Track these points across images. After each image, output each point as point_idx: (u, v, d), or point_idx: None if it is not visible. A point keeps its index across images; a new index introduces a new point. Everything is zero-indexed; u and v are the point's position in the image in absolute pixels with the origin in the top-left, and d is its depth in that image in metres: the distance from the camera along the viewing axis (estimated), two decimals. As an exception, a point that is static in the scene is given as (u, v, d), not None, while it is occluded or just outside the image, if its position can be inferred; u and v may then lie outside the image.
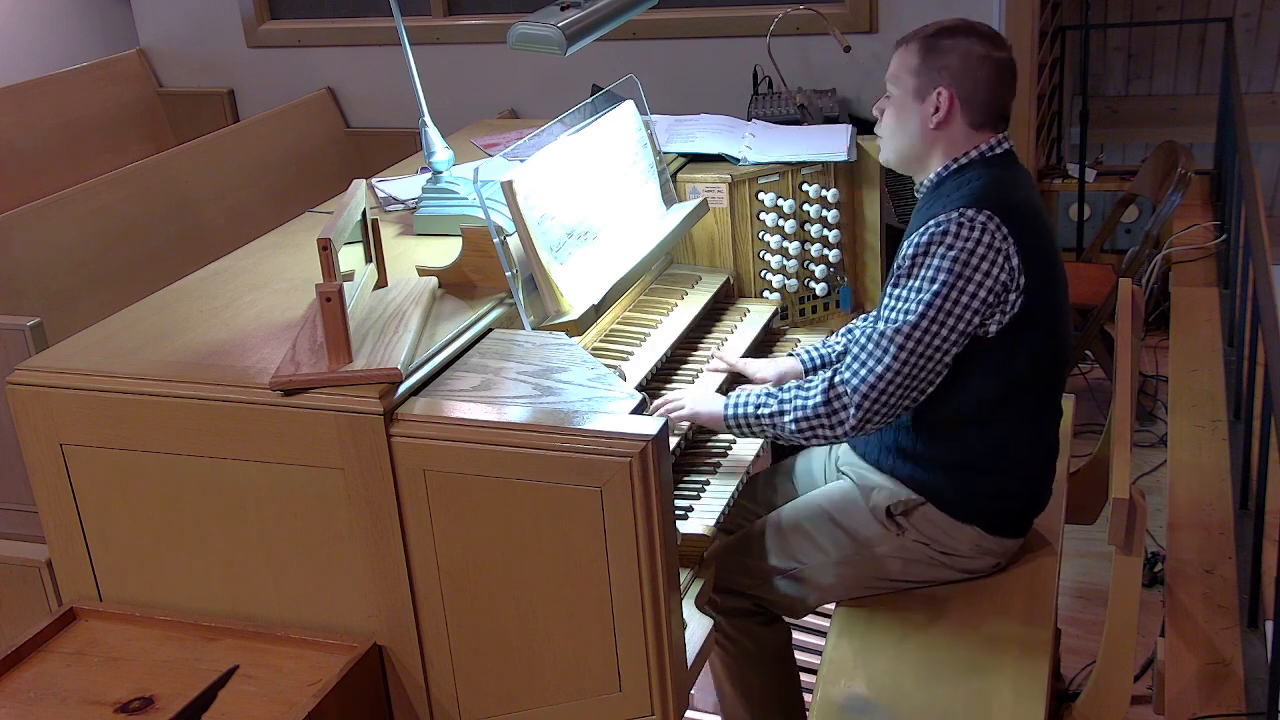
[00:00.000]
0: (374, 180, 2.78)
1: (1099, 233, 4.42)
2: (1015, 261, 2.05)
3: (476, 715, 1.93)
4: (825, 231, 2.84)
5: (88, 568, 2.04)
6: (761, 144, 2.88)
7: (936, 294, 2.04)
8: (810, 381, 2.15)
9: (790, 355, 2.52)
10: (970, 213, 2.05)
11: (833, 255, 2.84)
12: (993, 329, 2.09)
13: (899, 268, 2.10)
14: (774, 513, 2.36)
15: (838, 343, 2.50)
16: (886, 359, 2.06)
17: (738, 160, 2.80)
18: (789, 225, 2.80)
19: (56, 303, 3.55)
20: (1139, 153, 5.23)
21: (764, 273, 2.82)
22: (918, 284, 2.06)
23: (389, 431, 1.79)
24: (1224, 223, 3.97)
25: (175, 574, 1.99)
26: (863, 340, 2.10)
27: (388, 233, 2.45)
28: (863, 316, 2.55)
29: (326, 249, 1.80)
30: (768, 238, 2.79)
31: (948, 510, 2.21)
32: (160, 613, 2.00)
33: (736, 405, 2.19)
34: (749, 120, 3.14)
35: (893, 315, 2.07)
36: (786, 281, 2.82)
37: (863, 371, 2.08)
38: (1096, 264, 4.27)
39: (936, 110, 2.13)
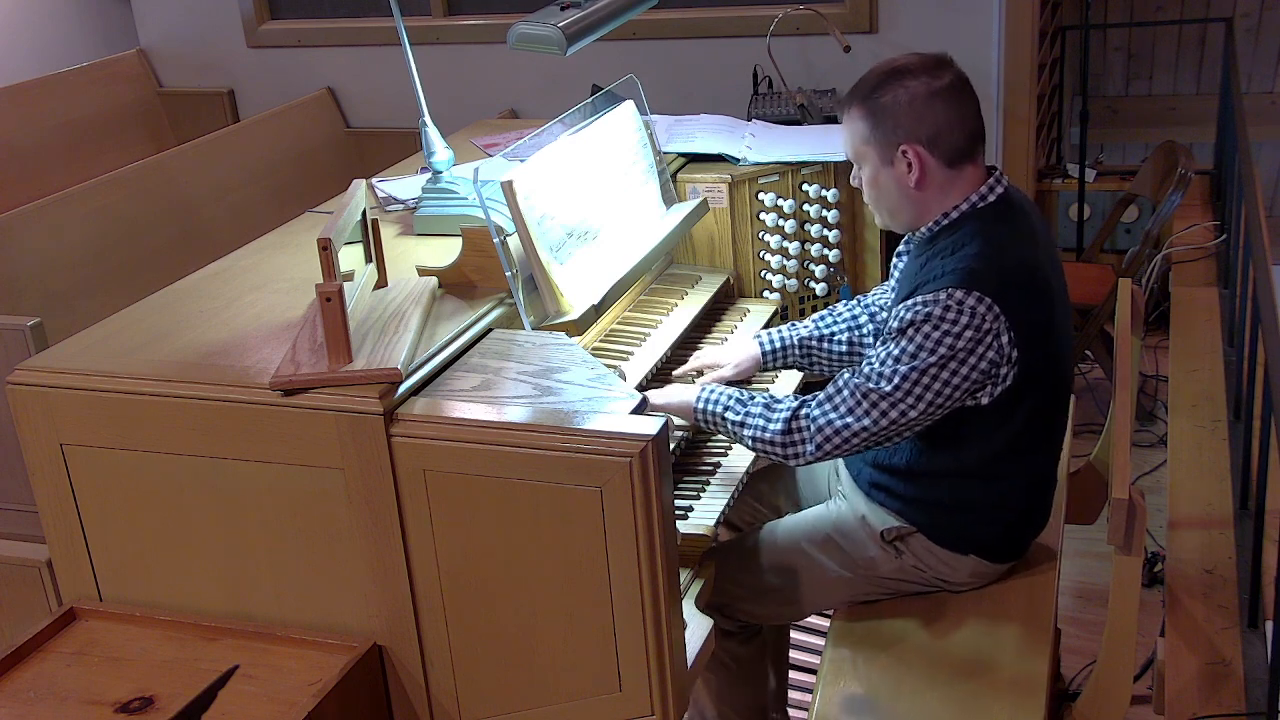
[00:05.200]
0: (374, 180, 2.78)
1: (1099, 233, 4.41)
2: (1006, 339, 2.01)
3: (476, 715, 1.93)
4: (825, 231, 2.84)
5: (88, 568, 2.04)
6: (761, 144, 2.88)
7: (915, 369, 2.01)
8: (779, 401, 2.13)
9: (755, 338, 2.47)
10: (959, 295, 1.99)
11: (833, 255, 2.84)
12: (984, 400, 2.07)
13: (889, 330, 2.06)
14: (770, 527, 2.35)
15: (805, 327, 2.46)
16: (858, 412, 2.04)
17: (738, 160, 2.80)
18: (789, 225, 2.80)
19: (56, 303, 3.55)
20: (1139, 153, 5.23)
21: (764, 273, 2.82)
22: (899, 353, 2.02)
23: (389, 431, 1.79)
24: (1224, 223, 3.97)
25: (175, 574, 1.99)
26: (842, 385, 2.07)
27: (388, 233, 2.45)
28: (845, 304, 2.50)
29: (326, 249, 1.80)
30: (768, 238, 2.79)
31: (943, 544, 2.21)
32: (160, 613, 2.00)
33: (706, 402, 2.18)
34: (749, 120, 3.15)
35: (873, 374, 2.04)
36: (786, 281, 2.82)
37: (832, 414, 2.06)
38: (1096, 264, 4.27)
39: (910, 169, 2.07)
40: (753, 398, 2.16)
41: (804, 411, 2.09)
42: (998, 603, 2.22)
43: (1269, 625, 2.19)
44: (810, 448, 2.08)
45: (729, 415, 2.15)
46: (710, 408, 2.17)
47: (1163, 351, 4.04)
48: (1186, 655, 2.19)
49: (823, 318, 2.49)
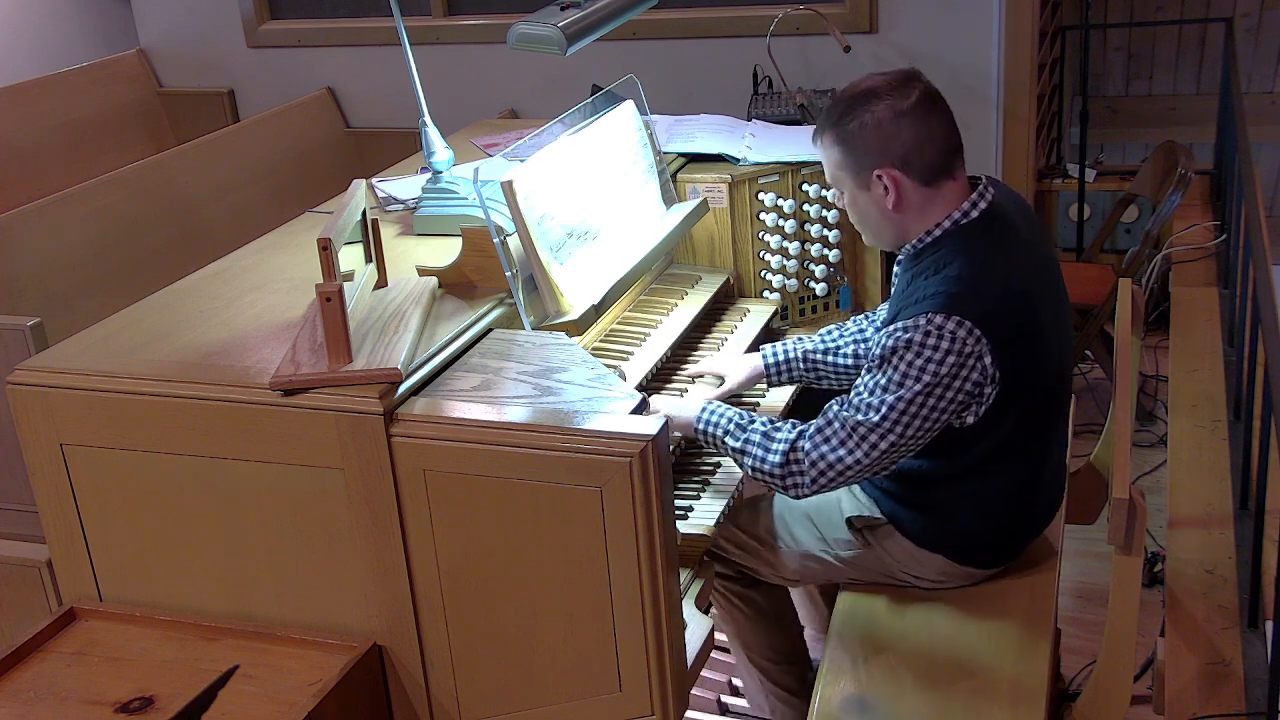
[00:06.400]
0: (374, 180, 2.78)
1: (1099, 233, 4.41)
2: (989, 360, 1.99)
3: (476, 715, 1.93)
4: (825, 231, 2.84)
5: (88, 568, 2.04)
6: (761, 144, 2.88)
7: (901, 398, 2.00)
8: (778, 429, 2.11)
9: (759, 352, 2.47)
10: (939, 320, 1.98)
11: (833, 255, 2.84)
12: (970, 419, 2.06)
13: (873, 357, 2.06)
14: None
15: (810, 341, 2.46)
16: (849, 445, 2.04)
17: (738, 160, 2.80)
18: (789, 225, 2.80)
19: (56, 303, 3.55)
20: (1139, 153, 5.23)
21: (764, 273, 2.82)
22: (885, 382, 2.02)
23: (389, 431, 1.79)
24: (1224, 223, 3.97)
25: (175, 574, 1.99)
26: (832, 417, 2.07)
27: (388, 233, 2.45)
28: (854, 320, 2.51)
29: (326, 249, 1.80)
30: (768, 238, 2.79)
31: (912, 538, 2.21)
32: (160, 613, 2.00)
33: (707, 422, 2.17)
34: (749, 120, 3.15)
35: (861, 405, 2.04)
36: (786, 281, 2.82)
37: (824, 448, 2.05)
38: (1096, 264, 4.27)
39: (886, 192, 2.06)
40: (753, 421, 2.14)
41: (800, 444, 2.08)
42: (998, 603, 2.22)
43: (1269, 625, 2.19)
44: (806, 480, 2.07)
45: (729, 440, 2.14)
46: (711, 430, 2.17)
47: (1163, 351, 4.04)
48: (1186, 655, 2.19)
49: (829, 332, 2.49)
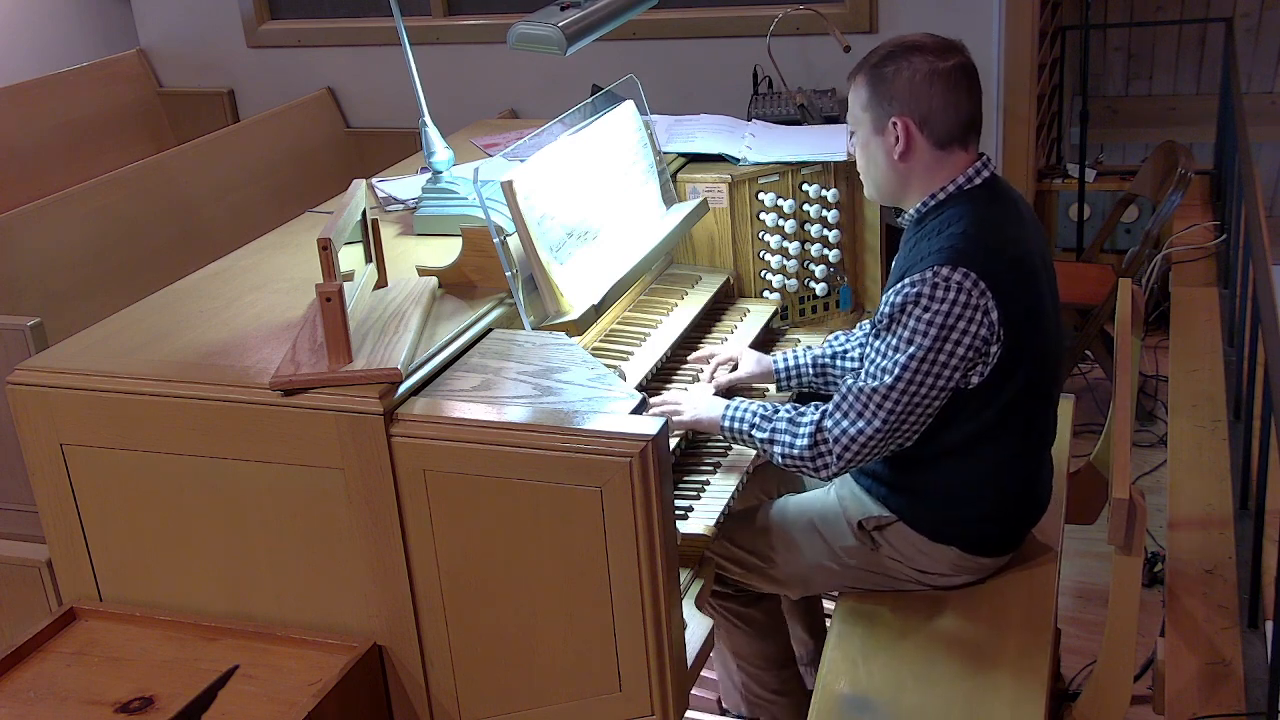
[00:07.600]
0: (374, 180, 2.78)
1: (1099, 233, 4.42)
2: (995, 315, 2.01)
3: (476, 715, 1.93)
4: (825, 231, 2.84)
5: (88, 568, 2.04)
6: (761, 144, 2.88)
7: (913, 356, 2.01)
8: (803, 414, 2.13)
9: (770, 356, 2.48)
10: (945, 271, 2.00)
11: (833, 255, 2.84)
12: (974, 380, 2.07)
13: (880, 317, 2.07)
14: (771, 505, 2.37)
15: (819, 348, 2.47)
16: (868, 414, 2.05)
17: (738, 160, 2.80)
18: (789, 225, 2.80)
19: (56, 303, 3.55)
20: (1139, 153, 5.23)
21: (764, 273, 2.82)
22: (895, 342, 2.03)
23: (389, 431, 1.79)
24: (1224, 223, 3.97)
25: (175, 574, 1.99)
26: (846, 391, 2.08)
27: (388, 233, 2.45)
28: (860, 326, 2.52)
29: (326, 249, 1.80)
30: (768, 238, 2.79)
31: (922, 531, 2.21)
32: (160, 613, 2.00)
33: (733, 419, 2.19)
34: (749, 120, 3.15)
35: (875, 371, 2.05)
36: (786, 281, 2.82)
37: (845, 423, 2.07)
38: (1096, 264, 4.27)
39: (897, 141, 2.09)
40: (776, 411, 2.16)
41: (824, 424, 2.09)
42: (998, 602, 2.22)
43: (1269, 625, 2.19)
44: (832, 459, 2.09)
45: (756, 434, 2.16)
46: (737, 425, 2.19)
47: (1163, 351, 4.04)
48: (1186, 655, 2.19)
49: (836, 337, 2.50)
